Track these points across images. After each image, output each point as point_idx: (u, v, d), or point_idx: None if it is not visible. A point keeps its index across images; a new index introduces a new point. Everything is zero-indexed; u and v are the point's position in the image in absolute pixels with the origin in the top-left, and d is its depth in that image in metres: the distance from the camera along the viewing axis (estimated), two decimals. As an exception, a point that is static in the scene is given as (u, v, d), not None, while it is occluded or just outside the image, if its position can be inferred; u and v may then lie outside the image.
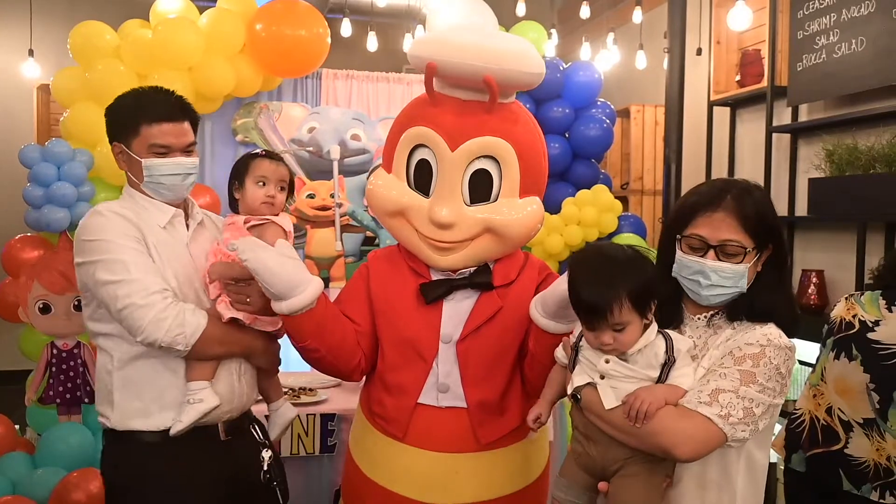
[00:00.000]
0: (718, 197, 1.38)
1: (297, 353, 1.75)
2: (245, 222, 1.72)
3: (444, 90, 1.61)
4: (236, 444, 1.73)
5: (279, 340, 1.83)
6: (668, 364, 1.29)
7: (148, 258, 1.61)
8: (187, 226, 1.74)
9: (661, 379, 1.29)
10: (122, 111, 1.70)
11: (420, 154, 1.62)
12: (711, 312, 1.42)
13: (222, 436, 1.70)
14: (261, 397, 1.88)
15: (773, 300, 1.37)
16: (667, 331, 1.33)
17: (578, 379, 1.34)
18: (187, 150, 1.70)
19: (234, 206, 1.80)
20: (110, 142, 1.74)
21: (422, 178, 1.63)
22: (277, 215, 1.75)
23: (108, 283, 1.57)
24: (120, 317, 1.57)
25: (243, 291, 1.65)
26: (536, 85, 1.61)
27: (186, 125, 1.71)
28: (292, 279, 1.52)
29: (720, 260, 1.35)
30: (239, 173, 1.76)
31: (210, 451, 1.67)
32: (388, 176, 1.68)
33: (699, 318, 1.42)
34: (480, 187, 1.61)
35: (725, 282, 1.35)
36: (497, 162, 1.60)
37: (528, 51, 1.58)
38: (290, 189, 1.80)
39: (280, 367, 1.88)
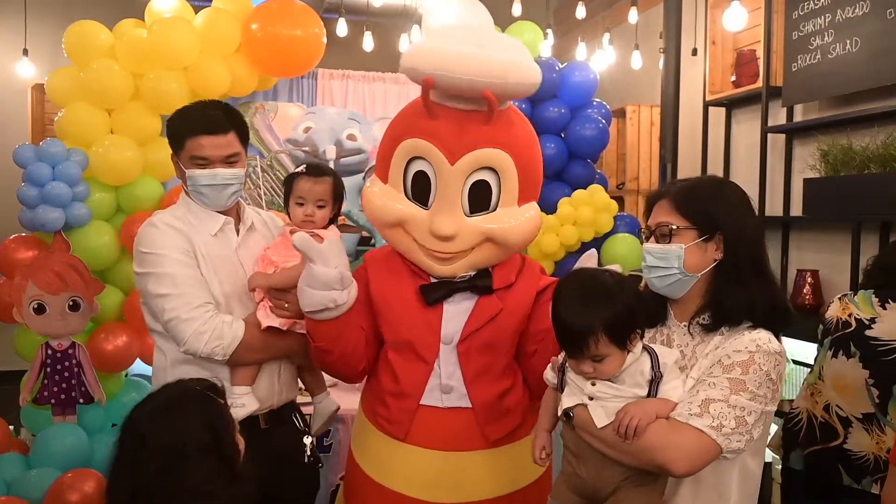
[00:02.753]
0: (667, 188, 1.42)
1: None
2: (291, 232, 1.81)
3: (439, 100, 1.60)
4: (277, 432, 1.87)
5: None
6: (655, 380, 1.28)
7: (195, 270, 1.74)
8: (237, 231, 1.86)
9: (649, 395, 1.28)
10: (172, 125, 1.84)
11: (417, 166, 1.62)
12: (689, 319, 1.39)
13: (262, 424, 1.84)
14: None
15: (739, 295, 1.33)
16: (652, 345, 1.32)
17: (568, 400, 1.33)
18: (229, 162, 1.79)
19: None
20: (172, 153, 1.87)
21: (419, 189, 1.62)
22: (328, 227, 1.84)
23: (157, 296, 1.72)
24: (167, 328, 1.73)
25: (283, 298, 1.74)
26: (533, 93, 1.62)
27: (229, 137, 1.80)
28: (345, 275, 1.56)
29: (658, 243, 1.38)
30: (286, 192, 1.88)
31: (252, 438, 1.75)
32: (384, 186, 1.67)
33: (683, 325, 1.41)
34: (480, 197, 1.61)
35: (660, 262, 1.36)
36: (496, 173, 1.60)
37: (526, 61, 1.57)
38: (336, 200, 1.86)
39: None
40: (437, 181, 1.59)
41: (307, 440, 1.93)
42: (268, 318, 1.75)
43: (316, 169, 1.87)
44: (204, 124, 1.77)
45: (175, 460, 1.23)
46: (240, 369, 1.78)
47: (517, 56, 1.56)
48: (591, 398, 1.29)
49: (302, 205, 1.82)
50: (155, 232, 1.76)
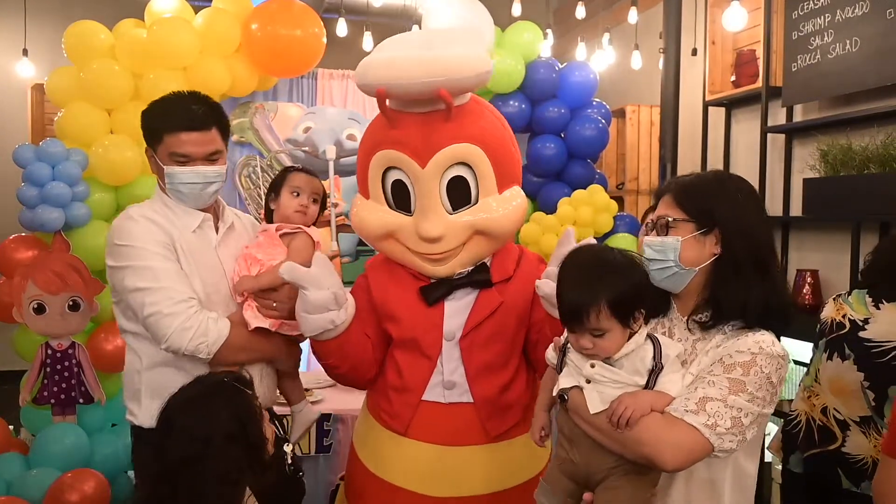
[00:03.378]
0: (671, 182, 1.42)
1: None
2: (277, 230, 1.79)
3: (399, 108, 1.61)
4: None
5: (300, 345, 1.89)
6: (655, 370, 1.26)
7: (176, 264, 1.67)
8: (217, 229, 1.79)
9: (648, 385, 1.27)
10: (149, 118, 1.74)
11: (393, 175, 1.63)
12: (688, 314, 1.39)
13: None
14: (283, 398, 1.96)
15: (735, 292, 1.31)
16: (657, 335, 1.31)
17: (565, 381, 1.32)
18: (211, 159, 1.71)
19: (269, 217, 1.87)
20: (146, 145, 1.78)
21: (400, 198, 1.64)
22: (309, 226, 1.82)
23: (136, 290, 1.63)
24: (146, 323, 1.63)
25: (270, 297, 1.70)
26: (487, 82, 1.63)
27: (212, 133, 1.71)
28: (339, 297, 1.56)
29: (657, 236, 1.38)
30: (276, 185, 1.85)
31: None
32: (367, 202, 1.69)
33: (684, 320, 1.40)
34: (459, 193, 1.62)
35: (657, 255, 1.36)
36: (469, 166, 1.61)
37: (472, 52, 1.58)
38: (322, 203, 1.87)
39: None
40: (414, 186, 1.61)
41: (287, 448, 1.86)
42: (256, 319, 1.70)
43: (308, 169, 1.88)
44: (186, 120, 1.68)
45: (200, 448, 1.28)
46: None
47: (463, 49, 1.56)
48: (588, 381, 1.28)
49: (297, 195, 1.80)
50: (132, 224, 1.68)
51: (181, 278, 1.65)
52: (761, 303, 1.32)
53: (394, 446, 1.68)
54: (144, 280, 1.62)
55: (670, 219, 1.36)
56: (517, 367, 1.70)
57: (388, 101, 1.58)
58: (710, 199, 1.36)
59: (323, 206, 1.88)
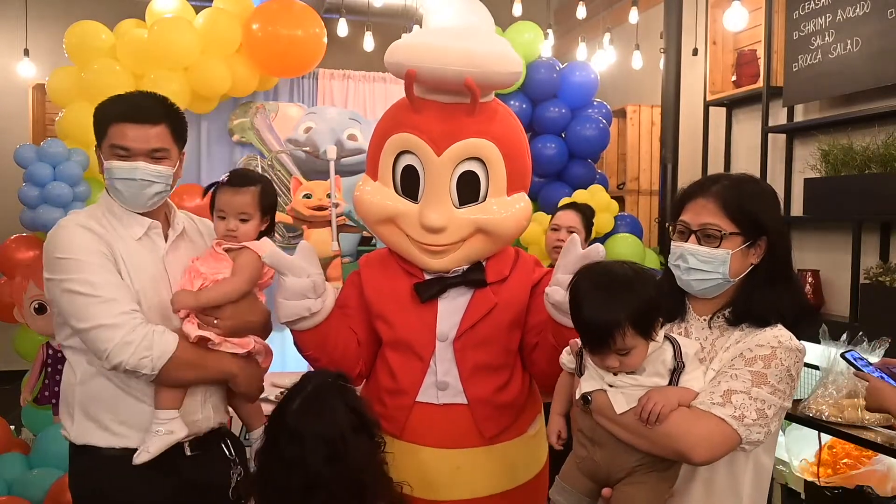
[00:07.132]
0: (706, 185, 1.39)
1: (293, 353, 1.76)
2: (218, 244, 1.66)
3: (424, 94, 1.61)
4: (203, 459, 1.67)
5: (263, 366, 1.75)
6: (677, 370, 1.27)
7: (116, 275, 1.55)
8: (166, 236, 1.66)
9: (670, 385, 1.28)
10: (97, 112, 1.63)
11: (406, 160, 1.62)
12: (711, 314, 1.39)
13: (187, 451, 1.64)
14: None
15: (770, 299, 1.34)
16: (674, 335, 1.32)
17: (587, 385, 1.32)
18: (154, 156, 1.58)
19: None
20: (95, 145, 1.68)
21: (409, 184, 1.63)
22: (258, 239, 1.68)
23: (76, 304, 1.51)
24: (86, 339, 1.51)
25: (211, 314, 1.60)
26: (515, 83, 1.63)
27: (158, 129, 1.58)
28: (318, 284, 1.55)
29: (700, 245, 1.35)
30: (210, 204, 1.70)
31: (174, 465, 1.60)
32: (374, 183, 1.68)
33: (703, 320, 1.40)
34: (468, 188, 1.62)
35: (704, 266, 1.35)
36: (483, 163, 1.61)
37: (506, 51, 1.59)
38: (265, 212, 1.68)
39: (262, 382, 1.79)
40: (424, 174, 1.60)
41: (233, 473, 1.71)
42: (197, 329, 1.57)
43: (239, 178, 1.68)
44: (128, 111, 1.56)
45: (338, 446, 1.34)
46: (166, 391, 1.56)
47: (498, 46, 1.58)
48: (610, 385, 1.29)
49: (223, 218, 1.65)
50: (69, 234, 1.56)
51: (124, 290, 1.54)
52: (794, 307, 1.35)
53: (388, 449, 1.67)
54: (83, 293, 1.50)
55: (725, 231, 1.34)
56: (512, 368, 1.69)
57: (414, 86, 1.57)
58: (759, 212, 1.35)
59: (266, 214, 1.69)
